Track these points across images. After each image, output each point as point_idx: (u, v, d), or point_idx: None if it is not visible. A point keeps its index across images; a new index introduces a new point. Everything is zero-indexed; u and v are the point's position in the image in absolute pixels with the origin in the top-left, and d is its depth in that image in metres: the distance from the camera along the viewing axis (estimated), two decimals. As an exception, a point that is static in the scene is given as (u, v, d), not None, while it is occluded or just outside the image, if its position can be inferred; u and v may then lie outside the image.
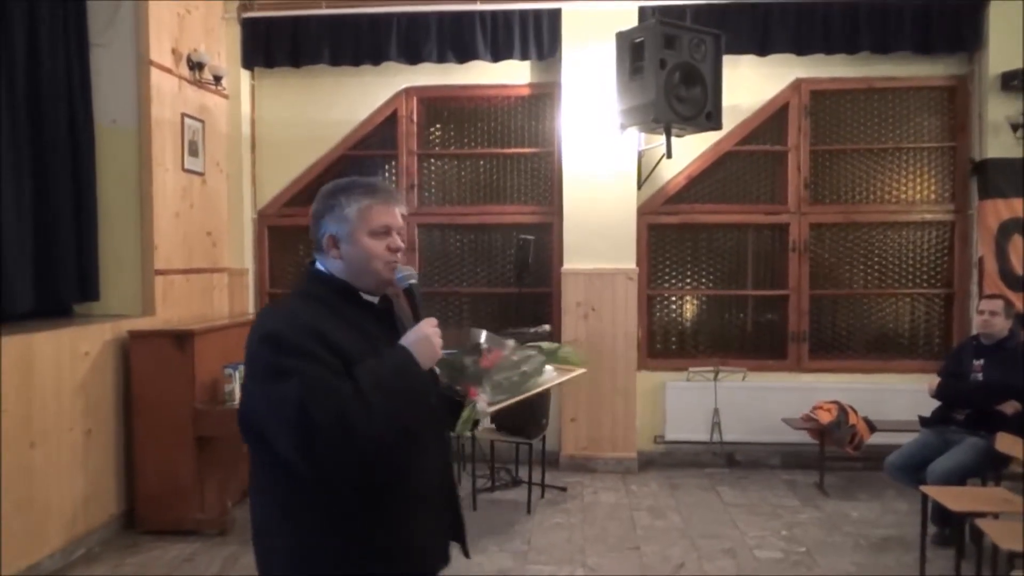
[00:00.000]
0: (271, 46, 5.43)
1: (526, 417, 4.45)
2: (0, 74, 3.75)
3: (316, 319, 1.57)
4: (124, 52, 4.40)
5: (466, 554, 1.90)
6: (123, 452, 4.18)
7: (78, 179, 4.26)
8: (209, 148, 5.04)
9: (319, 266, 1.71)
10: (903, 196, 5.51)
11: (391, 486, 1.61)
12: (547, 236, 5.56)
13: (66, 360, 3.78)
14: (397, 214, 1.70)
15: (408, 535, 1.65)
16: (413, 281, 1.69)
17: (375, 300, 1.72)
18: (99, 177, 4.37)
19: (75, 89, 4.26)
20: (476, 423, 1.68)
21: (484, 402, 1.66)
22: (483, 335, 1.81)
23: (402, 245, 1.69)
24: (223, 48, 5.26)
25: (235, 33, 5.40)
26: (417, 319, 1.66)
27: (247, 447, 1.67)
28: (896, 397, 5.10)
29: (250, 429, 1.60)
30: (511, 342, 1.86)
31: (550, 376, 1.88)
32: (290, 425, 1.45)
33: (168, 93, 4.57)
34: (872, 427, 4.79)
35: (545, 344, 1.93)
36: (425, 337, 1.62)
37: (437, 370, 1.69)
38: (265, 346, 1.54)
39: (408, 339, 1.62)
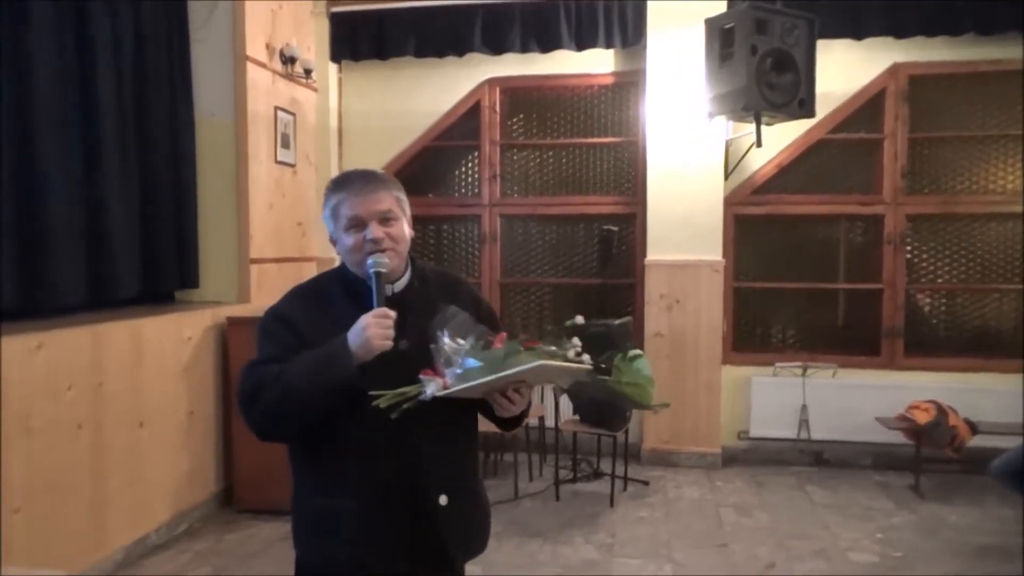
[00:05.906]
0: (358, 39, 5.54)
1: (611, 410, 4.44)
2: (110, 70, 3.92)
3: (293, 309, 1.70)
4: (221, 48, 4.55)
5: None
6: (222, 433, 4.36)
7: (179, 171, 4.44)
8: (299, 140, 5.17)
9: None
10: (1009, 186, 5.22)
11: (327, 473, 1.68)
12: (631, 227, 5.50)
13: (170, 345, 3.96)
14: (376, 201, 1.63)
15: (350, 528, 1.64)
16: (382, 270, 1.60)
17: (389, 291, 1.65)
18: (198, 169, 4.55)
19: (176, 84, 4.42)
20: (403, 404, 1.51)
21: (437, 387, 1.50)
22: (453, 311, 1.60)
23: (378, 234, 1.61)
24: (312, 42, 5.38)
25: (324, 27, 5.52)
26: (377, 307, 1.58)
27: None
28: (998, 398, 4.86)
29: None
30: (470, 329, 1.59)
31: (532, 364, 1.49)
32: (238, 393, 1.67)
33: (262, 87, 4.71)
34: (974, 428, 4.57)
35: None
36: (360, 328, 1.54)
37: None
38: (256, 330, 1.74)
39: (351, 329, 1.56)
